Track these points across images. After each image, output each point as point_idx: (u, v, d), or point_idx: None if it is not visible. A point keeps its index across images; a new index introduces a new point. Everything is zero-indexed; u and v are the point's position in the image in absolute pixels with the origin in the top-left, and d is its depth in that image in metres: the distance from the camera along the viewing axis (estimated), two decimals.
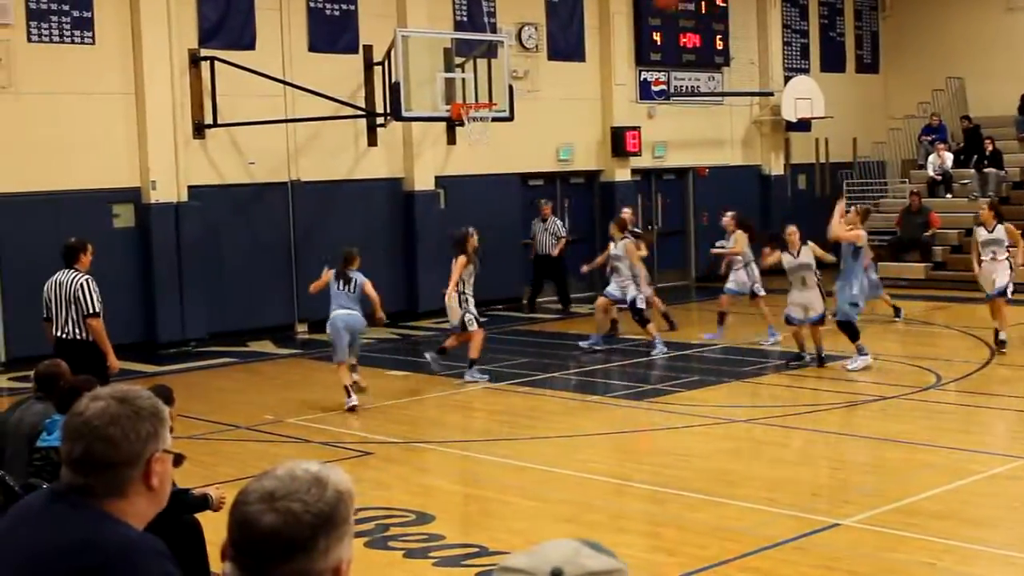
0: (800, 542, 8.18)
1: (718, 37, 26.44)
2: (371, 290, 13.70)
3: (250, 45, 19.64)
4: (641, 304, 16.84)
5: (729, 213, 18.55)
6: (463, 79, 19.93)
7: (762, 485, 9.95)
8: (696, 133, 26.29)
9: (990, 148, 26.15)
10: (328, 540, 2.32)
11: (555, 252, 21.47)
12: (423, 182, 21.82)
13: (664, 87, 25.85)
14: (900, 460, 10.86)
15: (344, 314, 13.48)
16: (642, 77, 25.56)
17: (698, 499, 9.31)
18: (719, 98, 26.59)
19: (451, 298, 15.06)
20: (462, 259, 15.11)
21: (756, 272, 17.36)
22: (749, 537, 8.34)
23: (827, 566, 7.78)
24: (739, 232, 17.73)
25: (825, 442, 11.94)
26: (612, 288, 17.14)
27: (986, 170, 25.75)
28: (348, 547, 2.38)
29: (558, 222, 21.82)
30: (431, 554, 8.11)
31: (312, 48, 20.51)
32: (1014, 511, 9.22)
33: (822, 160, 28.02)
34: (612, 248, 17.36)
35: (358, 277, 13.68)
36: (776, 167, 27.65)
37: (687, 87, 26.23)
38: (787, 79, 27.18)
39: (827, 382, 14.28)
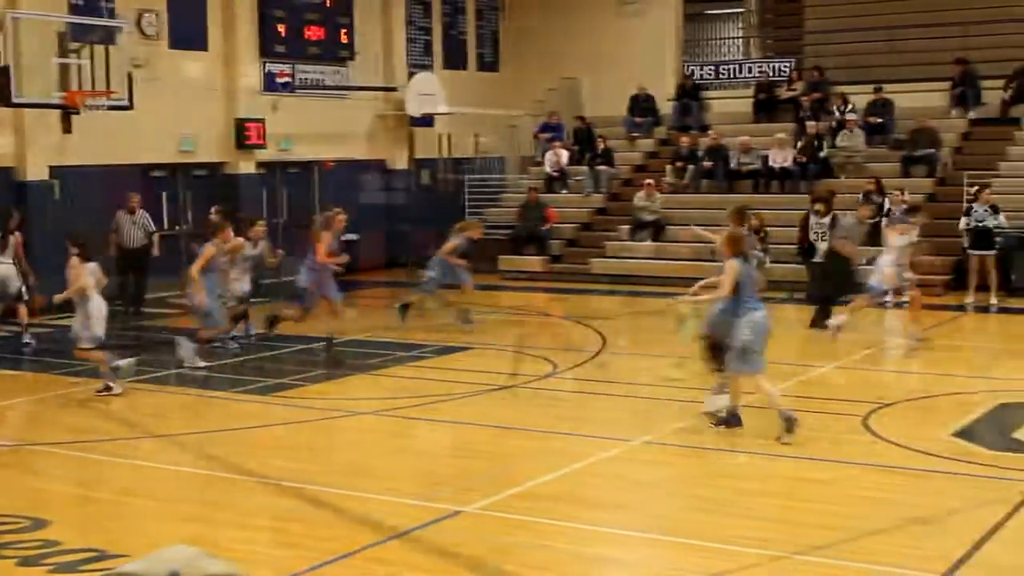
0: (422, 531, 8.36)
1: (343, 31, 26.52)
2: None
3: None
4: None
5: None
6: (79, 65, 19.13)
7: (386, 475, 10.11)
8: (322, 126, 26.28)
9: (602, 146, 27.57)
10: None
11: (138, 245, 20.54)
12: (36, 172, 20.79)
13: (289, 79, 25.70)
14: (520, 447, 11.29)
15: None
16: (267, 69, 25.31)
17: (323, 492, 9.35)
18: (344, 92, 26.68)
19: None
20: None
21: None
22: (374, 528, 8.45)
23: (448, 552, 7.98)
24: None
25: (449, 431, 12.25)
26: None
27: (598, 167, 27.16)
28: None
29: (147, 215, 20.88)
30: (46, 560, 7.76)
31: None
32: (625, 491, 9.76)
33: (445, 155, 28.70)
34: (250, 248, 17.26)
35: None
36: (400, 161, 28.06)
37: (312, 80, 26.18)
38: (411, 75, 27.64)
39: (451, 372, 14.65)
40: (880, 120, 25.87)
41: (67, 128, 21.08)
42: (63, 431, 12.40)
